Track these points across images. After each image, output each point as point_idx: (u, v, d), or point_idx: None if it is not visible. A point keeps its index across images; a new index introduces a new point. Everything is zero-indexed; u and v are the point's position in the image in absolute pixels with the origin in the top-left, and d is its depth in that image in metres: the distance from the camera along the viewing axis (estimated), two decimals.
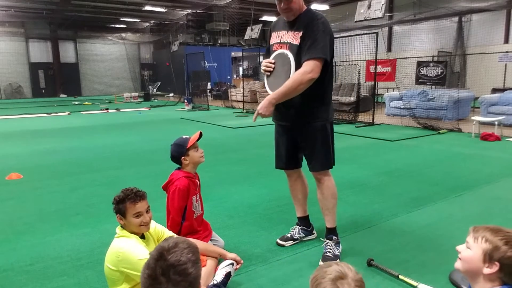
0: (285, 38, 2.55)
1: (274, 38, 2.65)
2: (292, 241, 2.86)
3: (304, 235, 2.91)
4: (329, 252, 2.64)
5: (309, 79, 2.36)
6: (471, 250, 1.35)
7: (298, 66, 2.42)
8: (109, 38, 25.51)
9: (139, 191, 1.99)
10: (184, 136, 2.60)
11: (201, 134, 2.60)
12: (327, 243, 2.69)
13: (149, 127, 9.95)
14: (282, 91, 2.37)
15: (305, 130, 2.60)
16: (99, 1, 17.74)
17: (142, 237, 2.06)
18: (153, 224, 2.16)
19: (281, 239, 2.88)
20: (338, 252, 2.66)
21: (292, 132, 2.69)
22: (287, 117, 2.64)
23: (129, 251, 1.88)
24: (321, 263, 2.58)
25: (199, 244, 2.25)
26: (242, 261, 2.32)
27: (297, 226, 2.93)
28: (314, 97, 2.52)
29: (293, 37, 2.48)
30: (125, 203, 1.94)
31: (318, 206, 3.52)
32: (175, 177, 2.52)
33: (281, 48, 2.55)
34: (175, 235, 2.24)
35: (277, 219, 3.38)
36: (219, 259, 2.37)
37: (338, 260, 1.33)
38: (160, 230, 2.18)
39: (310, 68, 2.35)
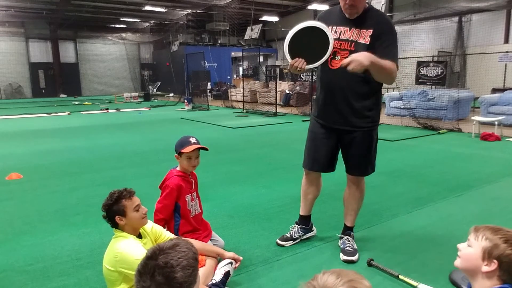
0: (347, 35, 2.40)
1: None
2: (292, 241, 2.86)
3: (303, 233, 2.91)
4: (349, 246, 2.68)
5: (394, 78, 2.38)
6: (471, 248, 1.37)
7: None
8: (109, 38, 25.52)
9: (128, 188, 2.04)
10: (189, 139, 2.49)
11: (202, 148, 2.49)
12: (346, 239, 2.73)
13: (149, 127, 9.95)
14: (381, 63, 2.22)
15: (365, 135, 2.56)
16: (99, 1, 17.75)
17: (139, 236, 2.07)
18: (150, 224, 2.18)
19: (281, 239, 2.88)
20: (356, 246, 2.71)
21: (344, 136, 2.59)
22: (347, 121, 2.51)
23: (127, 251, 1.89)
24: (343, 257, 2.63)
25: (197, 244, 2.26)
26: (241, 258, 2.32)
27: (296, 225, 2.92)
28: (377, 102, 2.55)
29: (360, 35, 2.37)
30: (121, 202, 1.96)
31: (321, 206, 3.53)
32: (168, 176, 2.53)
33: (341, 45, 2.40)
34: (174, 236, 2.24)
35: (277, 219, 3.38)
36: (219, 258, 2.37)
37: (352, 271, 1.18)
38: (158, 231, 2.19)
39: (395, 69, 2.34)
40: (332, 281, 0.91)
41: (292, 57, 2.36)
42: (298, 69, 2.35)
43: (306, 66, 2.35)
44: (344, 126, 2.54)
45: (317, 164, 2.73)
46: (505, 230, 1.35)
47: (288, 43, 2.32)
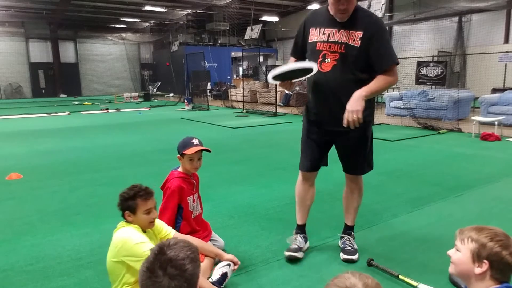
0: (336, 37, 2.36)
1: (317, 35, 2.43)
2: (302, 252, 2.72)
3: (304, 243, 2.79)
4: (350, 246, 2.67)
5: (395, 81, 2.44)
6: (460, 252, 1.37)
7: (351, 69, 2.35)
8: (109, 38, 25.54)
9: (148, 188, 2.01)
10: (192, 140, 2.49)
11: (205, 150, 2.50)
12: (346, 238, 2.72)
13: (149, 127, 9.95)
14: (374, 89, 2.32)
15: (359, 134, 2.54)
16: (99, 1, 17.77)
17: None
18: None
19: (293, 251, 2.64)
20: (356, 245, 2.70)
21: (338, 137, 2.57)
22: (341, 122, 2.41)
23: (127, 237, 1.89)
24: (343, 256, 2.62)
25: (196, 242, 2.25)
26: (239, 262, 2.30)
27: (297, 235, 2.77)
28: (372, 101, 2.55)
29: (350, 37, 2.34)
30: (136, 200, 1.95)
31: (321, 206, 3.53)
32: (170, 177, 2.52)
33: (330, 48, 2.38)
34: (173, 230, 2.24)
35: (277, 219, 3.38)
36: (216, 260, 2.36)
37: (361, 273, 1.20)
38: (159, 225, 2.17)
39: (395, 73, 2.40)
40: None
41: (281, 81, 2.42)
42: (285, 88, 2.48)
43: (293, 80, 2.43)
44: (339, 128, 2.49)
45: (313, 164, 2.70)
46: (488, 228, 1.35)
47: (272, 79, 2.37)
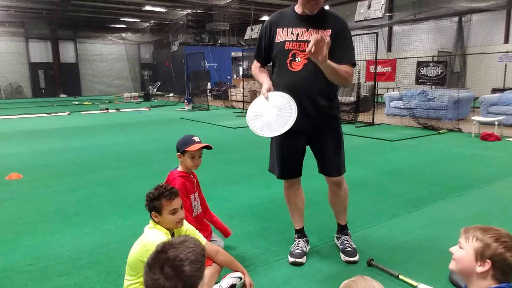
0: (305, 36, 2.35)
1: (284, 35, 2.41)
2: (305, 256, 2.70)
3: (307, 245, 2.77)
4: (349, 246, 2.66)
5: (350, 81, 2.42)
6: (463, 250, 1.38)
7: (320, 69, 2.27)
8: (109, 38, 25.54)
9: (173, 188, 2.02)
10: (193, 137, 2.51)
11: (207, 147, 2.52)
12: (344, 239, 2.71)
13: (149, 127, 9.95)
14: (334, 66, 2.21)
15: (332, 133, 2.52)
16: (99, 1, 17.75)
17: (172, 234, 2.06)
18: (185, 226, 2.15)
19: (296, 257, 2.62)
20: (354, 245, 2.69)
21: (311, 136, 2.53)
22: (313, 121, 2.44)
23: (155, 242, 1.87)
24: (344, 258, 2.61)
25: (227, 257, 2.24)
26: (253, 284, 2.25)
27: (300, 239, 2.75)
28: (335, 98, 2.55)
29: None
30: (161, 200, 1.95)
31: (321, 206, 3.53)
32: (170, 177, 2.52)
33: (300, 47, 2.35)
34: (206, 240, 2.22)
35: (277, 219, 3.38)
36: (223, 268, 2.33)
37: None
38: (192, 232, 2.16)
39: (352, 72, 2.39)
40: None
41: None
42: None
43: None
44: (313, 128, 2.48)
45: (290, 171, 2.66)
46: (494, 229, 1.35)
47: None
